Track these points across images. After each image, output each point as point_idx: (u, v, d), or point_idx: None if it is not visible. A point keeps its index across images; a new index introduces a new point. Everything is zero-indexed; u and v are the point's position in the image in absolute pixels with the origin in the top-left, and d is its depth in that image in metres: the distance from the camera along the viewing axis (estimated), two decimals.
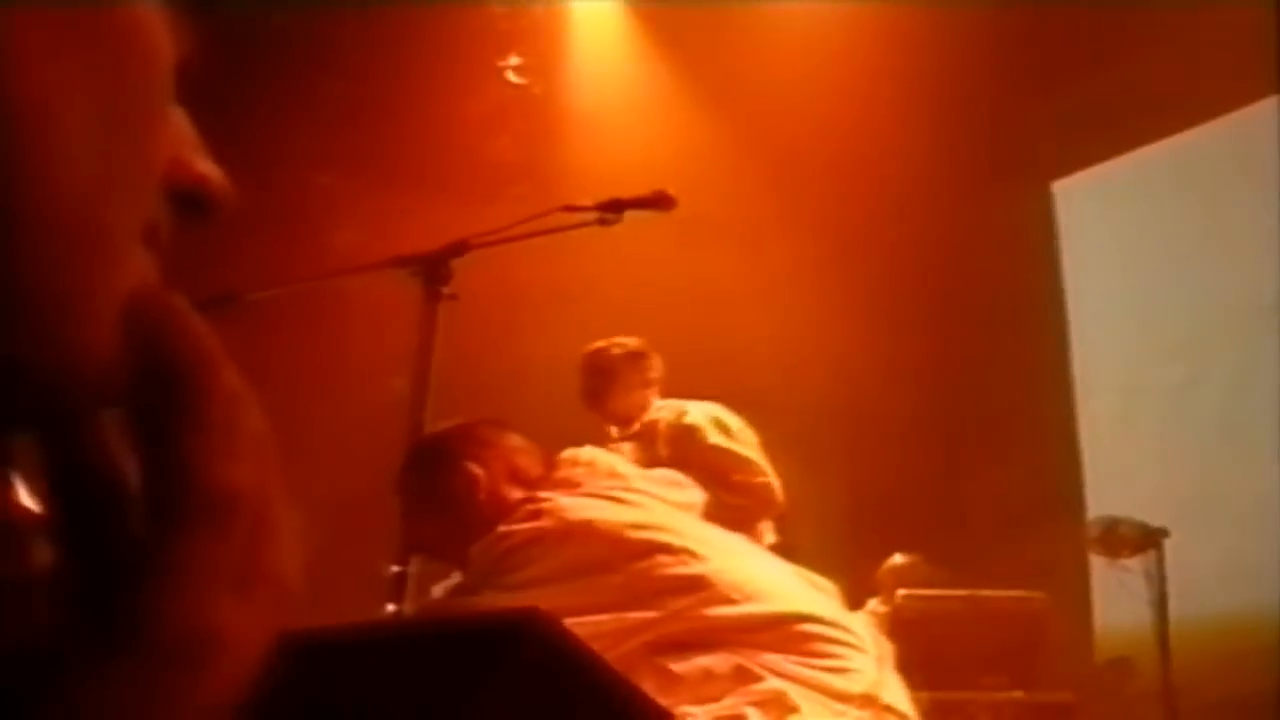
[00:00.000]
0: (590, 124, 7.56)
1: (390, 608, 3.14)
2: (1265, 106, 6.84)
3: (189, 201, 0.62)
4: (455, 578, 2.93)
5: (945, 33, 6.82)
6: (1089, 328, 7.70)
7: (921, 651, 5.23)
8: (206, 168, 0.64)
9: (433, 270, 3.36)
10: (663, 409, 5.07)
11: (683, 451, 4.75)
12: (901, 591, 5.93)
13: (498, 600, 2.53)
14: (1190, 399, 7.07)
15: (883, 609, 5.86)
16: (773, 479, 4.85)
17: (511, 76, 7.57)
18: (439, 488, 2.84)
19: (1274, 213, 6.78)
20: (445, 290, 3.36)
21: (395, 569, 3.14)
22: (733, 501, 4.55)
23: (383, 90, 6.92)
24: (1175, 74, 6.79)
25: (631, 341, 5.17)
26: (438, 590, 2.94)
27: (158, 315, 0.57)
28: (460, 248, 3.42)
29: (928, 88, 6.96)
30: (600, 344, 5.14)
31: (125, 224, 0.58)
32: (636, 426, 5.02)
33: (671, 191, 3.70)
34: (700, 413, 4.97)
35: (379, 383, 5.11)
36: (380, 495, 3.21)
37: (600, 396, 5.11)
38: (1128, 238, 7.67)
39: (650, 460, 4.60)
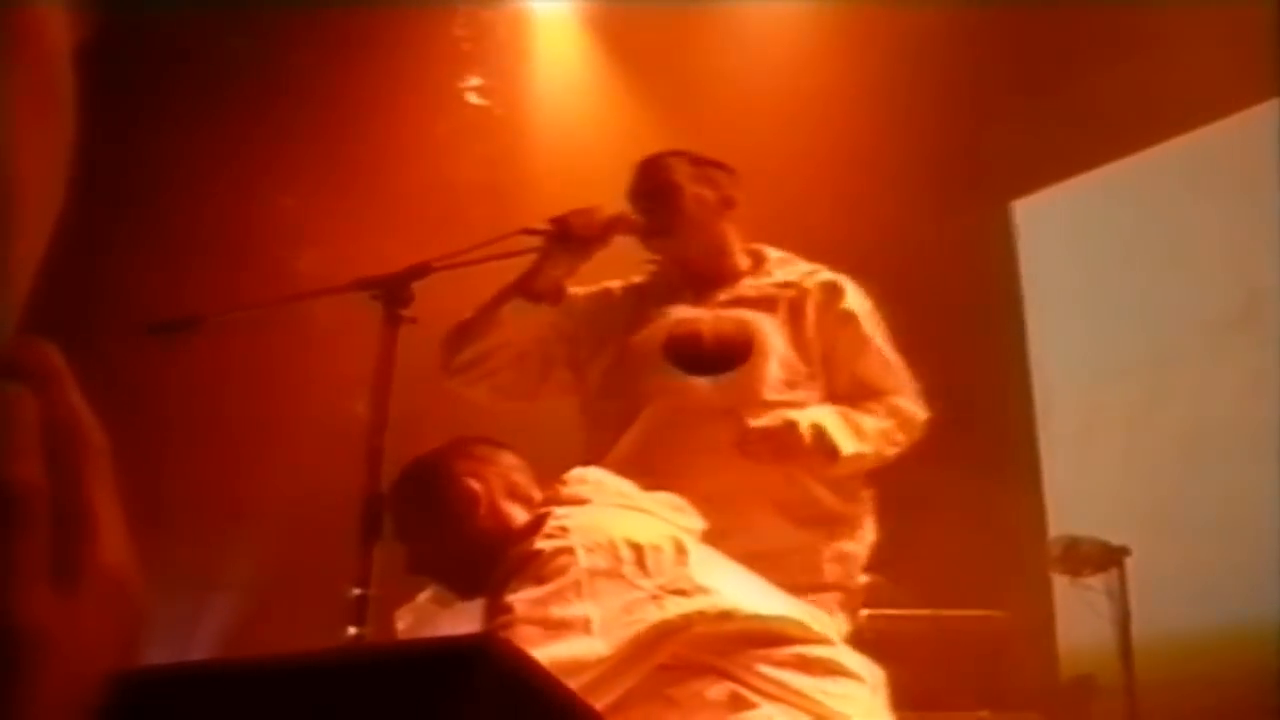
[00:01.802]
0: (553, 144, 7.58)
1: (351, 630, 3.13)
2: (1224, 125, 6.90)
3: None
4: (425, 595, 2.90)
5: (906, 49, 6.86)
6: (1048, 346, 7.73)
7: (886, 672, 5.22)
8: None
9: (393, 293, 3.35)
10: (785, 263, 3.78)
11: (838, 346, 3.63)
12: (865, 612, 5.93)
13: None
14: (1151, 416, 7.10)
15: (847, 629, 5.85)
16: None
17: (473, 98, 7.58)
18: (438, 505, 2.85)
19: (1233, 230, 6.84)
20: (405, 313, 3.35)
21: (356, 591, 3.13)
22: (888, 427, 3.58)
23: (345, 113, 6.92)
24: (1133, 93, 6.83)
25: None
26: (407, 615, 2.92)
27: None
28: (421, 270, 3.42)
29: (887, 104, 6.99)
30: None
31: None
32: (748, 288, 3.69)
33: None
34: (856, 296, 3.71)
35: (341, 405, 5.09)
36: (342, 517, 3.20)
37: (672, 222, 3.69)
38: (1087, 256, 7.71)
39: (797, 340, 3.60)
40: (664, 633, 2.48)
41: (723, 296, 3.67)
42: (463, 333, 3.70)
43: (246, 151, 6.67)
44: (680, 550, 2.60)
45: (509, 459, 2.95)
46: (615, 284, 3.86)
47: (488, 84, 7.64)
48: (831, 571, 3.56)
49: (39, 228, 0.60)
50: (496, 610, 2.55)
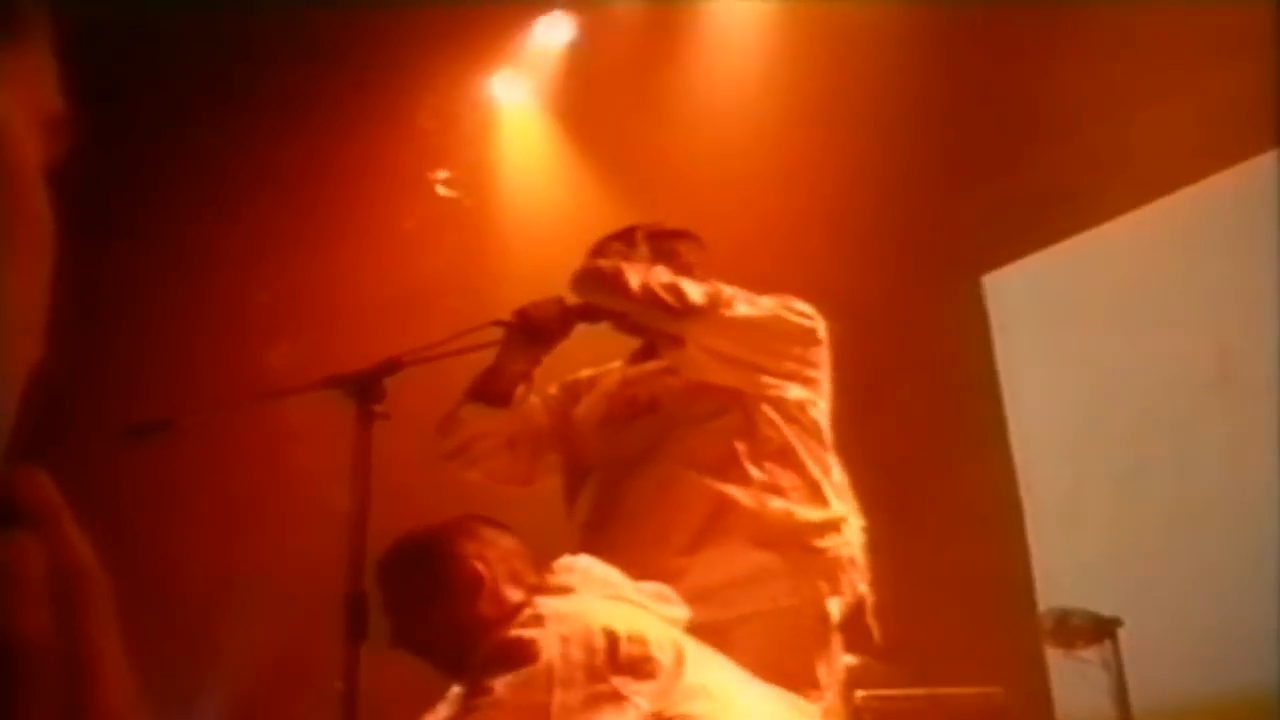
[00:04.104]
0: (524, 233, 7.64)
1: None
2: (1194, 191, 6.97)
3: None
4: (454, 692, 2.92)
5: (875, 123, 6.93)
6: (1028, 420, 7.76)
7: None
8: None
9: (364, 390, 3.41)
10: None
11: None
12: (860, 693, 5.93)
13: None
14: (1136, 485, 7.11)
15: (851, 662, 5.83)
16: None
17: (442, 190, 7.65)
18: (439, 584, 2.86)
19: (1207, 292, 6.90)
20: (378, 409, 3.40)
21: (340, 685, 3.15)
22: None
23: (313, 205, 6.96)
24: (1100, 163, 6.90)
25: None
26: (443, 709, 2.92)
27: None
28: (392, 366, 3.47)
29: (854, 178, 7.05)
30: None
31: None
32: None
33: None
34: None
35: (319, 501, 5.13)
36: (326, 614, 3.23)
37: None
38: (1060, 327, 7.74)
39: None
40: None
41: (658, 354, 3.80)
42: (440, 426, 3.82)
43: (215, 247, 6.72)
44: (679, 660, 2.62)
45: (510, 542, 2.96)
46: (617, 364, 3.99)
47: (456, 175, 7.71)
48: (814, 587, 3.49)
49: (23, 349, 0.63)
50: (475, 693, 2.60)
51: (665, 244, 3.90)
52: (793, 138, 7.05)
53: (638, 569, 2.98)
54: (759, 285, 3.84)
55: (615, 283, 3.65)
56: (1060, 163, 7.07)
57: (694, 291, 3.61)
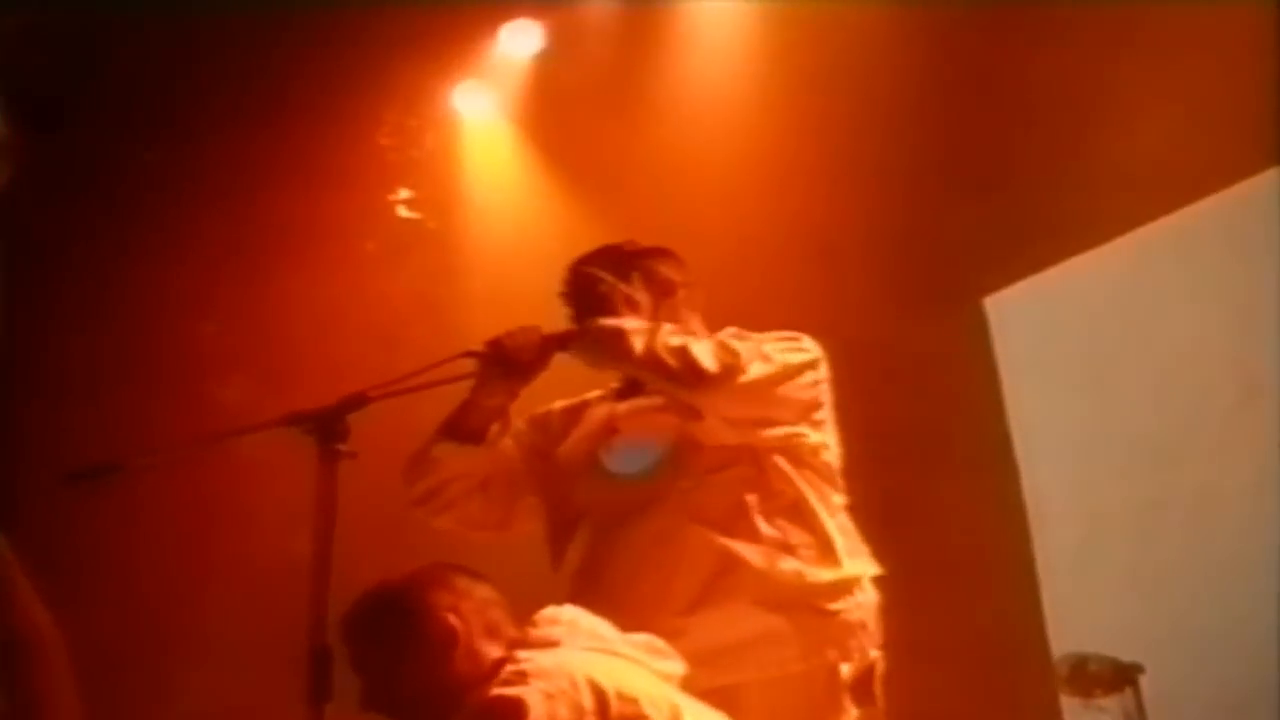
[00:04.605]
0: (491, 256, 7.58)
1: None
2: (1203, 207, 6.92)
3: None
4: None
5: (864, 135, 6.88)
6: (1037, 452, 7.60)
7: None
8: None
9: (327, 427, 3.31)
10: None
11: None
12: None
13: None
14: (1155, 519, 7.00)
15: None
16: None
17: (403, 211, 7.60)
18: (410, 640, 2.82)
19: (1223, 313, 6.86)
20: (342, 448, 3.29)
21: None
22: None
23: (266, 229, 6.89)
24: (1101, 179, 6.84)
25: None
26: None
27: None
28: (356, 402, 3.38)
29: (841, 197, 6.99)
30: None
31: None
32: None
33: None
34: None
35: (279, 548, 5.05)
36: (287, 667, 3.15)
37: None
38: (1070, 352, 7.62)
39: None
40: None
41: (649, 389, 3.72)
42: (409, 468, 3.76)
43: (161, 276, 6.65)
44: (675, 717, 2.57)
45: (486, 592, 2.92)
46: (595, 394, 3.94)
47: (419, 195, 7.66)
48: (823, 653, 3.46)
49: None
50: None
51: (644, 264, 3.87)
52: (778, 151, 6.99)
53: (634, 628, 2.92)
54: (744, 310, 3.79)
55: (618, 347, 3.57)
56: (1061, 178, 7.01)
57: (706, 358, 3.50)
